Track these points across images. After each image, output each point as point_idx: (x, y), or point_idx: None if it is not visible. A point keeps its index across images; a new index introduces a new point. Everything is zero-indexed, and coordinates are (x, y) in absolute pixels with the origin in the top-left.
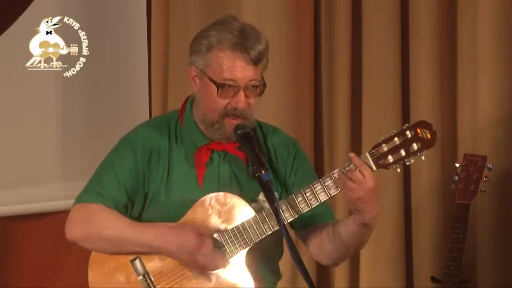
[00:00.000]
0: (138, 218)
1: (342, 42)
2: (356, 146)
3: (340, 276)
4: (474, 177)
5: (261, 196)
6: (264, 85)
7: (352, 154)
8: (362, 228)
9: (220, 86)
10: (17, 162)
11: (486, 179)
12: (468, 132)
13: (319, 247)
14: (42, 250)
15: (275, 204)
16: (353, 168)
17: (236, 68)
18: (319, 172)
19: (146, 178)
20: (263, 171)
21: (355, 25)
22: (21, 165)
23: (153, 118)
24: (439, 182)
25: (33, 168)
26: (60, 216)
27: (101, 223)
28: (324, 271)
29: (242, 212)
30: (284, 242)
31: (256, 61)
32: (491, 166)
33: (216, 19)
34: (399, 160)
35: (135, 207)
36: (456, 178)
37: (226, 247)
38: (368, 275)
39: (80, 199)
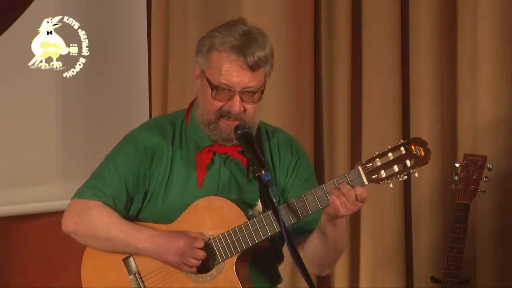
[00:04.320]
0: (137, 217)
1: (342, 42)
2: (356, 147)
3: (340, 276)
4: (474, 177)
5: (260, 202)
6: (262, 92)
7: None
8: (334, 230)
9: (214, 88)
10: (17, 162)
11: (486, 179)
12: (468, 133)
13: (305, 254)
14: (42, 250)
15: (275, 204)
16: (345, 182)
17: (232, 72)
18: (319, 172)
19: (147, 176)
20: (263, 171)
21: (355, 25)
22: (21, 165)
23: (159, 117)
24: (439, 182)
25: (33, 168)
26: (60, 216)
27: (94, 221)
28: None
29: (235, 217)
30: (285, 246)
31: (253, 67)
32: (491, 166)
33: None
34: (391, 176)
35: (134, 205)
36: (456, 178)
37: (217, 251)
38: (368, 275)
39: (79, 194)
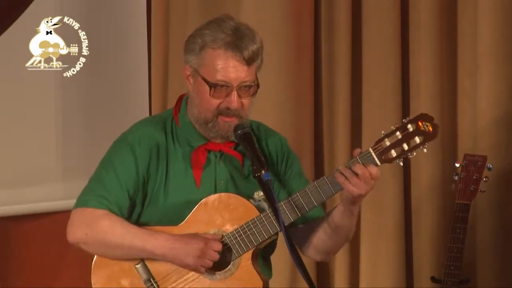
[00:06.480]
0: (137, 220)
1: (342, 42)
2: (356, 146)
3: (340, 276)
4: (474, 177)
5: (256, 195)
6: (258, 86)
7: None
8: (350, 218)
9: (212, 86)
10: (17, 162)
11: (486, 179)
12: (468, 132)
13: (311, 243)
14: (42, 250)
15: (275, 204)
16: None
17: (229, 68)
18: (319, 172)
19: (145, 179)
20: (263, 171)
21: (355, 25)
22: (21, 165)
23: (148, 118)
24: (439, 182)
25: (33, 168)
26: (60, 216)
27: (105, 230)
28: (324, 271)
29: (247, 212)
30: (281, 240)
31: (249, 61)
32: (491, 166)
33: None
34: (402, 154)
35: (135, 209)
36: (456, 178)
37: (232, 248)
38: (368, 275)
39: (83, 203)
